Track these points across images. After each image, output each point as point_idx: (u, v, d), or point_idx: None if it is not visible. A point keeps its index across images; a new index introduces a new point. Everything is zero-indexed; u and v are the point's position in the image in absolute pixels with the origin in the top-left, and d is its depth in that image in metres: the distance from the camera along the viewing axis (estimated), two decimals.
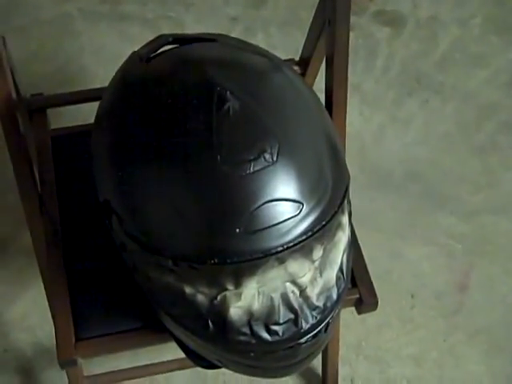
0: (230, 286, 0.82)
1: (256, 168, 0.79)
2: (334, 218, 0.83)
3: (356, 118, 1.56)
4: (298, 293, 0.84)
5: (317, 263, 0.85)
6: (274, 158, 0.80)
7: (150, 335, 0.98)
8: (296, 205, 0.80)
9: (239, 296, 0.82)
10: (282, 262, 0.81)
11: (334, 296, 0.87)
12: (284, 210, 0.80)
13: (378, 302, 1.01)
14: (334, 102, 1.02)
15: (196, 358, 0.93)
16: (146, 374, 1.23)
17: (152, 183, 0.82)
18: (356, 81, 1.58)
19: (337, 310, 0.88)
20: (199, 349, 0.90)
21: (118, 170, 0.86)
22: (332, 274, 0.87)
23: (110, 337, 0.98)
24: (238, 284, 0.82)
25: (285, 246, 0.80)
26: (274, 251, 0.80)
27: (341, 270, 0.88)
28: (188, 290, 0.84)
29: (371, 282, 1.02)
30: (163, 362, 1.21)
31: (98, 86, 1.15)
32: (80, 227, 1.04)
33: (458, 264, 1.42)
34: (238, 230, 0.79)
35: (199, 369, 0.96)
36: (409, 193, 1.49)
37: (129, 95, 0.88)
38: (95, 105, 0.96)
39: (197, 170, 0.80)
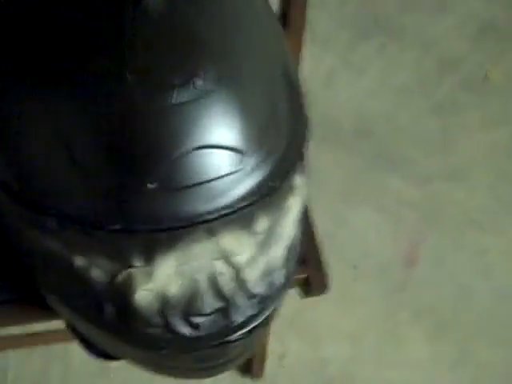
0: (138, 262, 0.60)
1: (182, 98, 0.57)
2: (286, 179, 0.62)
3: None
4: (231, 275, 0.63)
5: (260, 238, 0.64)
6: (209, 87, 0.57)
7: (24, 310, 0.78)
8: (237, 156, 0.59)
9: (149, 275, 0.61)
10: (212, 233, 0.60)
11: (279, 281, 0.67)
12: (219, 163, 0.58)
13: (327, 285, 0.83)
14: (289, 28, 0.80)
15: (90, 347, 0.73)
16: (38, 343, 1.02)
17: (32, 107, 0.59)
18: None
19: (281, 300, 0.68)
20: (93, 337, 0.69)
21: None
22: (278, 252, 0.66)
23: None
24: (148, 259, 0.60)
25: (218, 213, 0.58)
26: (201, 219, 0.58)
27: (289, 247, 0.67)
28: (78, 261, 0.62)
29: (323, 261, 0.84)
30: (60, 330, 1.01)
31: None
32: None
33: (406, 234, 1.27)
34: (150, 185, 0.57)
35: None
36: (358, 150, 1.33)
37: None
38: None
39: (96, 94, 0.57)
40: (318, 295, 0.85)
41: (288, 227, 0.66)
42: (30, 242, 0.64)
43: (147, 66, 0.57)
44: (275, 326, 1.12)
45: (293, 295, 1.14)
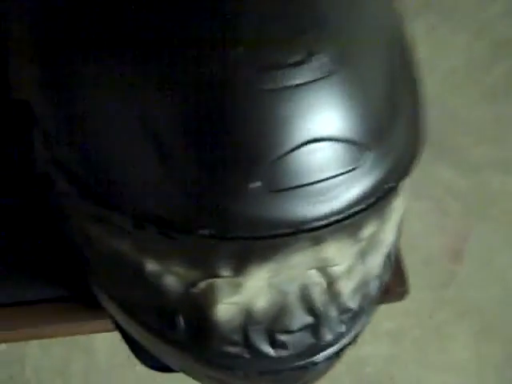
0: (226, 272, 0.50)
1: (298, 80, 0.45)
2: (405, 177, 0.51)
3: None
4: (324, 286, 0.53)
5: (361, 245, 0.53)
6: (330, 67, 0.47)
7: (73, 310, 0.67)
8: (355, 151, 0.47)
9: (237, 287, 0.51)
10: (317, 242, 0.50)
11: (373, 293, 0.56)
12: (335, 159, 0.47)
13: (407, 292, 0.72)
14: None
15: (146, 359, 0.63)
16: (61, 334, 0.95)
17: (113, 86, 0.48)
18: None
19: (371, 316, 0.58)
20: (155, 350, 0.59)
21: (52, 55, 0.51)
22: (376, 260, 0.55)
23: (12, 308, 0.67)
24: (239, 270, 0.50)
25: (328, 220, 0.47)
26: (309, 226, 0.47)
27: (387, 254, 0.57)
28: (151, 266, 0.52)
29: (402, 263, 0.73)
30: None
31: None
32: None
33: (453, 226, 1.18)
34: (253, 186, 0.46)
35: None
36: None
37: None
38: None
39: (191, 74, 0.46)
40: (394, 302, 0.76)
41: (389, 233, 0.56)
42: (97, 242, 0.54)
43: (255, 38, 0.46)
44: None
45: None
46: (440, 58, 1.32)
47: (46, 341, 1.03)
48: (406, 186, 0.56)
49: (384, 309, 1.11)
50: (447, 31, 1.34)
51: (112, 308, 0.58)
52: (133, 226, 0.50)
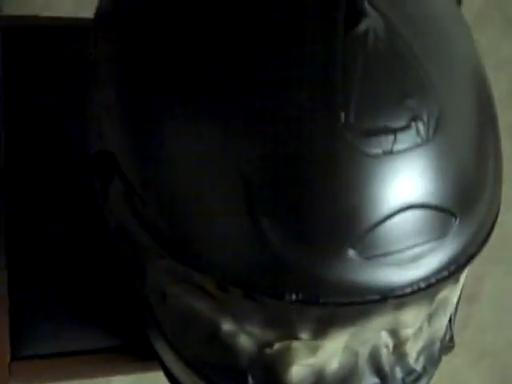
0: (305, 335, 0.50)
1: (401, 145, 0.45)
2: (486, 242, 0.51)
3: None
4: (391, 348, 0.53)
5: (433, 308, 0.54)
6: (431, 133, 0.46)
7: (123, 360, 0.68)
8: (446, 218, 0.47)
9: (314, 350, 0.51)
10: (399, 308, 0.50)
11: (436, 354, 0.56)
12: (427, 226, 0.47)
13: (453, 347, 0.72)
14: None
15: None
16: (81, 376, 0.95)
17: (208, 141, 0.46)
18: None
19: (431, 378, 0.58)
20: None
21: (143, 108, 0.49)
22: (444, 321, 0.55)
23: (61, 358, 0.68)
24: (319, 334, 0.50)
25: (415, 287, 0.47)
26: (394, 293, 0.47)
27: (450, 317, 0.58)
28: (227, 326, 0.51)
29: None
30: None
31: None
32: (33, 191, 0.70)
33: (469, 269, 1.17)
34: (350, 252, 0.46)
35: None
36: None
37: None
38: None
39: (295, 134, 0.45)
40: (445, 355, 0.75)
41: (457, 294, 0.57)
42: (172, 299, 0.54)
43: (363, 104, 0.45)
44: None
45: None
46: None
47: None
48: None
49: None
50: None
51: (174, 364, 0.58)
52: (216, 288, 0.49)
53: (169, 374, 0.62)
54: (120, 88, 0.50)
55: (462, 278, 0.57)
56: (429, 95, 0.46)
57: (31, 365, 0.68)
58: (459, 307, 1.15)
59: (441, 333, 0.57)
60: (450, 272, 0.49)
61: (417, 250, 0.47)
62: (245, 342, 0.52)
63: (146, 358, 0.67)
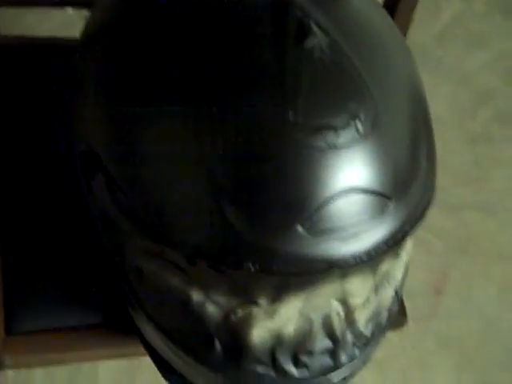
0: (263, 300, 0.55)
1: (342, 140, 0.51)
2: (420, 222, 0.57)
3: None
4: (343, 315, 0.58)
5: (377, 279, 0.59)
6: (368, 130, 0.52)
7: (107, 335, 0.71)
8: (382, 201, 0.53)
9: (271, 314, 0.56)
10: (343, 276, 0.56)
11: (384, 322, 0.62)
12: (366, 206, 0.53)
13: (406, 321, 0.79)
14: None
15: (171, 376, 0.65)
16: (66, 361, 0.95)
17: (177, 140, 0.53)
18: None
19: (379, 342, 0.63)
20: (185, 369, 0.62)
21: (122, 111, 0.55)
22: (389, 293, 0.61)
23: (54, 333, 0.70)
24: (276, 299, 0.55)
25: (358, 258, 0.53)
26: (340, 264, 0.53)
27: (396, 288, 0.63)
28: (196, 296, 0.57)
29: (402, 297, 0.77)
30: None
31: None
32: (23, 180, 0.75)
33: (436, 263, 1.20)
34: (299, 228, 0.51)
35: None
36: None
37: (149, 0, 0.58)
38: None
39: (251, 129, 0.52)
40: (397, 330, 0.78)
41: (400, 268, 0.63)
42: (149, 276, 0.58)
43: (310, 104, 0.52)
44: None
45: None
46: None
47: (50, 369, 1.03)
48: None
49: None
50: (433, 81, 1.36)
51: (151, 333, 0.62)
52: (186, 262, 0.55)
53: (148, 346, 0.65)
54: (101, 96, 0.57)
55: (405, 255, 0.63)
56: (366, 99, 0.53)
57: (25, 340, 0.69)
58: (427, 298, 1.17)
59: (387, 303, 0.61)
60: (388, 246, 0.54)
61: (358, 228, 0.53)
62: (212, 310, 0.57)
63: (128, 333, 0.69)
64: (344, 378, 0.60)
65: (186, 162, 0.52)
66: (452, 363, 1.12)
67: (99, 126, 0.57)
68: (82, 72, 0.60)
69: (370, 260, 0.53)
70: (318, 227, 0.51)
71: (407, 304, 1.15)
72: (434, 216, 1.21)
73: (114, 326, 0.71)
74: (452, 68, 1.38)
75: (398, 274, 0.62)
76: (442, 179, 1.25)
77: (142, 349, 0.66)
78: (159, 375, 0.67)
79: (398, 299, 0.64)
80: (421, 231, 1.23)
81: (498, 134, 1.33)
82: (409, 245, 0.62)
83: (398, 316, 0.74)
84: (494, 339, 1.14)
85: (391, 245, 0.54)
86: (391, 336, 1.12)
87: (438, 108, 1.33)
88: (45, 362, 0.78)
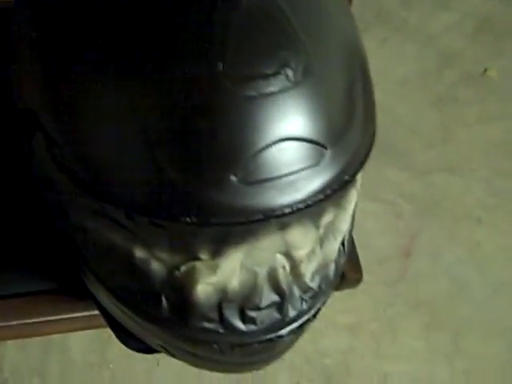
0: (205, 255, 0.55)
1: (272, 88, 0.50)
2: (358, 172, 0.56)
3: None
4: (288, 269, 0.58)
5: (321, 231, 0.58)
6: (299, 77, 0.51)
7: (61, 302, 0.70)
8: (318, 149, 0.52)
9: (214, 269, 0.55)
10: (283, 227, 0.55)
11: (331, 274, 0.61)
12: (301, 155, 0.52)
13: (361, 279, 0.77)
14: None
15: (128, 340, 0.65)
16: (36, 333, 0.94)
17: (110, 94, 0.52)
18: None
19: (329, 295, 0.63)
20: (138, 330, 0.62)
21: (55, 69, 0.54)
22: (335, 245, 0.61)
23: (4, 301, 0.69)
24: (216, 253, 0.55)
25: (294, 207, 0.52)
26: (277, 213, 0.51)
27: (343, 240, 0.62)
28: (140, 253, 0.56)
29: (357, 253, 0.77)
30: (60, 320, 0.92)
31: None
32: None
33: (404, 226, 1.19)
34: (232, 178, 0.50)
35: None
36: None
37: None
38: None
39: (182, 81, 0.51)
40: (349, 288, 0.78)
41: (344, 222, 0.61)
42: (92, 234, 0.58)
43: (239, 54, 0.51)
44: None
45: None
46: (391, 68, 1.32)
47: (22, 342, 1.02)
48: (359, 182, 0.61)
49: (342, 304, 1.13)
50: (398, 43, 1.35)
51: (102, 295, 0.61)
52: (125, 217, 0.54)
53: (103, 311, 0.64)
54: (37, 55, 0.56)
55: (350, 207, 0.61)
56: (296, 47, 0.52)
57: None
58: (396, 262, 1.17)
59: (333, 256, 0.61)
60: (325, 195, 0.53)
61: (294, 177, 0.52)
62: (156, 267, 0.56)
63: (83, 298, 0.67)
64: (293, 332, 0.59)
65: (119, 116, 0.51)
66: (423, 324, 1.13)
67: (35, 84, 0.56)
68: (17, 33, 0.60)
69: (307, 208, 0.53)
70: (252, 177, 0.51)
71: (376, 267, 1.15)
72: (402, 179, 1.22)
73: (68, 292, 0.70)
74: (417, 29, 1.36)
75: (344, 226, 0.61)
76: (409, 142, 1.26)
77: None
78: None
79: (346, 253, 0.64)
80: (388, 195, 1.23)
81: (464, 94, 1.32)
82: (354, 197, 0.61)
83: (352, 273, 0.75)
84: (463, 299, 1.15)
85: (329, 194, 0.54)
86: (362, 301, 1.12)
87: (403, 70, 1.33)
88: None
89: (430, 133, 1.27)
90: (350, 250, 0.71)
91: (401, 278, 1.15)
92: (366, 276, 1.14)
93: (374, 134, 0.58)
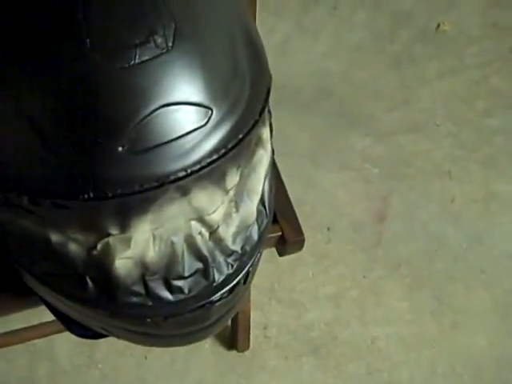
0: (114, 230, 0.54)
1: (144, 57, 0.51)
2: (252, 130, 0.56)
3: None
4: (207, 235, 0.58)
5: (231, 193, 0.58)
6: (170, 43, 0.51)
7: (8, 301, 0.70)
8: (202, 111, 0.53)
9: (127, 242, 0.55)
10: (185, 192, 0.54)
11: (255, 236, 0.61)
12: (185, 119, 0.52)
13: (304, 241, 0.76)
14: None
15: (76, 328, 0.66)
16: (20, 340, 0.92)
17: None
18: None
19: (258, 255, 0.62)
20: (76, 315, 0.62)
21: None
22: (251, 207, 0.60)
23: None
24: (124, 226, 0.54)
25: (188, 170, 0.52)
26: (173, 177, 0.52)
27: (262, 201, 0.62)
28: (55, 237, 0.56)
29: (295, 216, 0.76)
30: (41, 325, 0.90)
31: None
32: None
33: (375, 191, 1.17)
34: (120, 149, 0.51)
35: None
36: (319, 111, 1.22)
37: None
38: None
39: (55, 61, 0.51)
40: (295, 252, 0.77)
41: (258, 181, 0.61)
42: (6, 224, 0.58)
43: (105, 27, 0.51)
44: (255, 298, 1.04)
45: (268, 266, 1.05)
46: (344, 36, 1.30)
47: (9, 354, 1.00)
48: (268, 143, 0.61)
49: (322, 276, 1.10)
50: (348, 9, 1.31)
51: (34, 284, 0.61)
52: (29, 202, 0.53)
53: (45, 301, 0.64)
54: None
55: (262, 168, 0.61)
56: (163, 13, 0.52)
57: None
58: (371, 227, 1.14)
59: (252, 218, 0.60)
60: (220, 155, 0.53)
61: (182, 141, 0.52)
62: (74, 248, 0.56)
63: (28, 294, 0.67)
64: (224, 297, 0.59)
65: (9, 111, 0.52)
66: (404, 284, 1.10)
67: None
68: None
69: (203, 170, 0.53)
70: (140, 146, 0.51)
71: (352, 235, 1.13)
72: (367, 144, 1.20)
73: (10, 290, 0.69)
74: None
75: (258, 187, 0.61)
76: (371, 106, 1.23)
77: None
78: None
79: (268, 214, 0.63)
80: (355, 161, 1.21)
81: (420, 52, 1.29)
82: (265, 157, 0.61)
83: (293, 235, 0.75)
84: (441, 254, 1.13)
85: (223, 153, 0.53)
86: (341, 270, 1.10)
87: (357, 35, 1.30)
88: None
89: (391, 95, 1.25)
90: (287, 215, 0.74)
91: (378, 243, 1.13)
92: (342, 245, 1.12)
93: (268, 92, 0.58)
